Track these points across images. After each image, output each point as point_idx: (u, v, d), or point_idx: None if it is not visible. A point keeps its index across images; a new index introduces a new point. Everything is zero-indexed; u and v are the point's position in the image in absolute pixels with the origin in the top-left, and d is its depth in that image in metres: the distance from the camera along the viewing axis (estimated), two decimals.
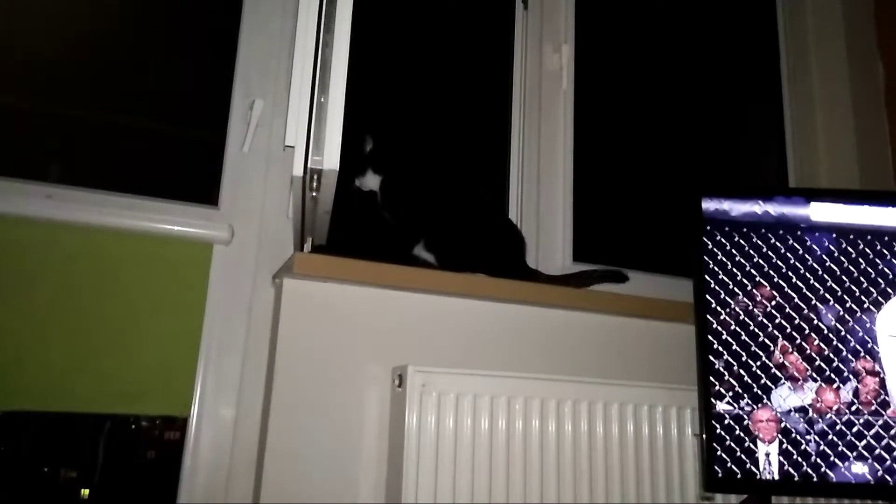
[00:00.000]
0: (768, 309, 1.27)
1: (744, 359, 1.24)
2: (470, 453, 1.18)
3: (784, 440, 1.19)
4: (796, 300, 1.27)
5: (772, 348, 1.25)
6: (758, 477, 1.17)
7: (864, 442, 1.19)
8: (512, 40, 1.82)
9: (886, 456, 1.18)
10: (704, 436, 1.18)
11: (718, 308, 1.27)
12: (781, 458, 1.18)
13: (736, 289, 1.28)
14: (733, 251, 1.30)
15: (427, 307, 1.35)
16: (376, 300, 1.31)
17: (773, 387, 1.22)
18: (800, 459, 1.18)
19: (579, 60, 1.82)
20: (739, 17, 2.16)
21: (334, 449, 1.23)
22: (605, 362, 1.45)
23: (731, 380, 1.22)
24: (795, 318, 1.26)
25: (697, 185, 1.35)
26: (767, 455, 1.18)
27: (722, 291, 1.28)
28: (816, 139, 2.03)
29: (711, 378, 1.22)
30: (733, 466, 1.17)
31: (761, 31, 2.17)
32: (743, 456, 1.18)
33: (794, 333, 1.26)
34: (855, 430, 1.19)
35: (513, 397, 1.24)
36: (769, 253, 1.30)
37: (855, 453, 1.18)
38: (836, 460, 1.17)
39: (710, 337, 1.25)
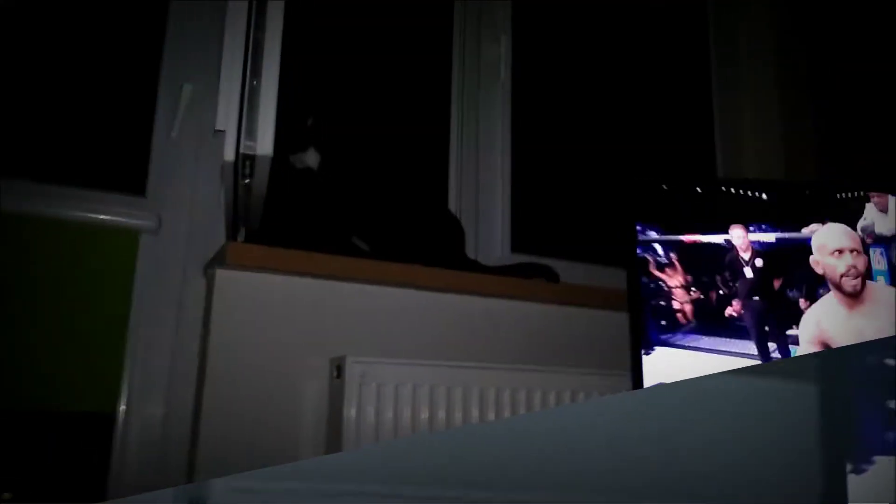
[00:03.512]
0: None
1: None
2: None
3: None
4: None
5: None
6: None
7: None
8: (451, 30, 1.82)
9: None
10: None
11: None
12: None
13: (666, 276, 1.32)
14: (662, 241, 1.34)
15: (365, 297, 1.33)
16: (313, 290, 1.29)
17: None
18: None
19: (517, 51, 1.84)
20: (671, 10, 2.22)
21: (271, 444, 1.20)
22: (543, 350, 1.46)
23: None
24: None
25: (629, 175, 1.38)
26: None
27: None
28: (743, 130, 2.12)
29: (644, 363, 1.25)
30: None
31: (692, 26, 2.24)
32: None
33: None
34: None
35: (452, 387, 1.24)
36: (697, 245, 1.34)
37: None
38: None
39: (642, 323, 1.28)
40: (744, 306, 1.27)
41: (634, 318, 1.31)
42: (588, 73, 2.01)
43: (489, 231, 1.70)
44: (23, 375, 1.19)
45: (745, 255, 1.29)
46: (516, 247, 1.71)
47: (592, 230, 1.83)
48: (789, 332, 1.27)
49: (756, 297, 1.27)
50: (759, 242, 1.29)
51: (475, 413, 1.25)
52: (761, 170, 2.05)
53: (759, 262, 1.28)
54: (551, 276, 1.55)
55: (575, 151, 1.94)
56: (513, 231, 1.73)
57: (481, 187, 1.72)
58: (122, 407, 1.25)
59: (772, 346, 1.26)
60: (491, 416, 1.26)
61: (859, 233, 1.31)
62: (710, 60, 2.22)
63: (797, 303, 1.28)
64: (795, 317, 1.27)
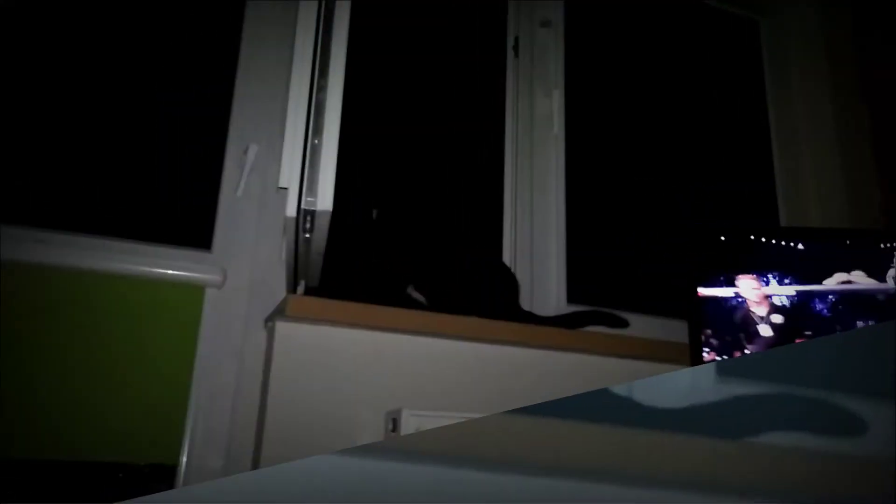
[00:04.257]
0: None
1: None
2: None
3: None
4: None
5: None
6: None
7: None
8: (504, 87, 1.86)
9: None
10: None
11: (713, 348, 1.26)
12: None
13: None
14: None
15: (421, 349, 1.33)
16: (370, 343, 1.30)
17: None
18: None
19: (570, 105, 1.86)
20: (726, 61, 2.22)
21: None
22: None
23: None
24: None
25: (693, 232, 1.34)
26: None
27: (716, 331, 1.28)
28: (806, 182, 2.07)
29: None
30: None
31: (747, 77, 2.23)
32: None
33: None
34: None
35: None
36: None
37: None
38: None
39: None
40: None
41: None
42: (643, 121, 2.02)
43: (544, 282, 1.69)
44: (87, 426, 1.23)
45: (761, 310, 1.21)
46: (572, 298, 1.70)
47: (650, 281, 1.80)
48: None
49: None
50: (775, 296, 1.20)
51: None
52: (825, 217, 1.98)
53: (777, 319, 1.20)
54: (615, 322, 1.52)
55: (630, 200, 1.93)
56: (569, 282, 1.71)
57: (536, 238, 1.72)
58: (184, 458, 1.27)
59: None
60: None
61: (890, 282, 1.22)
62: (766, 104, 2.19)
63: None
64: None
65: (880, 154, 2.01)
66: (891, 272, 1.23)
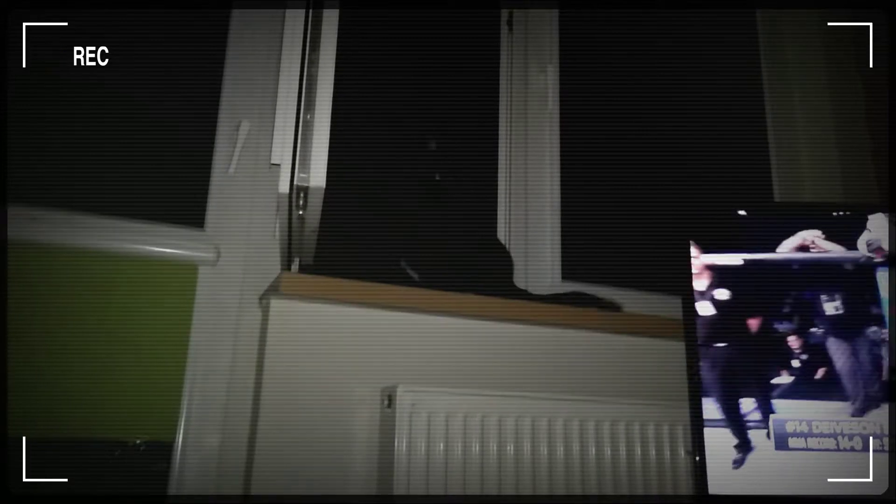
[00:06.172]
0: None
1: None
2: (461, 476, 1.16)
3: None
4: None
5: None
6: None
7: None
8: (498, 62, 1.84)
9: None
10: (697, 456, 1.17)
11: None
12: None
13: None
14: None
15: (416, 326, 1.34)
16: (364, 319, 1.30)
17: None
18: None
19: (564, 81, 1.85)
20: (722, 38, 2.20)
21: (324, 473, 1.20)
22: (596, 380, 1.44)
23: None
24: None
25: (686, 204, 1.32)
26: None
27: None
28: (799, 154, 2.06)
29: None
30: None
31: (743, 51, 2.21)
32: None
33: None
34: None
35: (504, 416, 1.22)
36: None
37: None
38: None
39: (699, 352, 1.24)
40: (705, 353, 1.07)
41: (691, 347, 1.27)
42: (638, 97, 2.01)
43: (539, 260, 1.69)
44: (83, 404, 1.23)
45: (700, 284, 1.06)
46: (567, 274, 1.70)
47: (645, 256, 1.80)
48: (775, 380, 1.02)
49: (720, 343, 1.05)
50: (718, 265, 1.05)
51: (527, 445, 1.23)
52: (817, 192, 1.99)
53: (721, 294, 1.07)
54: (606, 306, 1.52)
55: (626, 176, 1.92)
56: (563, 258, 1.71)
57: (531, 215, 1.72)
58: (180, 436, 1.28)
59: (748, 403, 1.02)
60: (543, 447, 1.24)
61: (862, 248, 1.04)
62: (762, 84, 2.18)
63: (785, 340, 1.03)
64: (786, 359, 1.02)
65: (875, 128, 2.01)
66: (862, 237, 1.07)
